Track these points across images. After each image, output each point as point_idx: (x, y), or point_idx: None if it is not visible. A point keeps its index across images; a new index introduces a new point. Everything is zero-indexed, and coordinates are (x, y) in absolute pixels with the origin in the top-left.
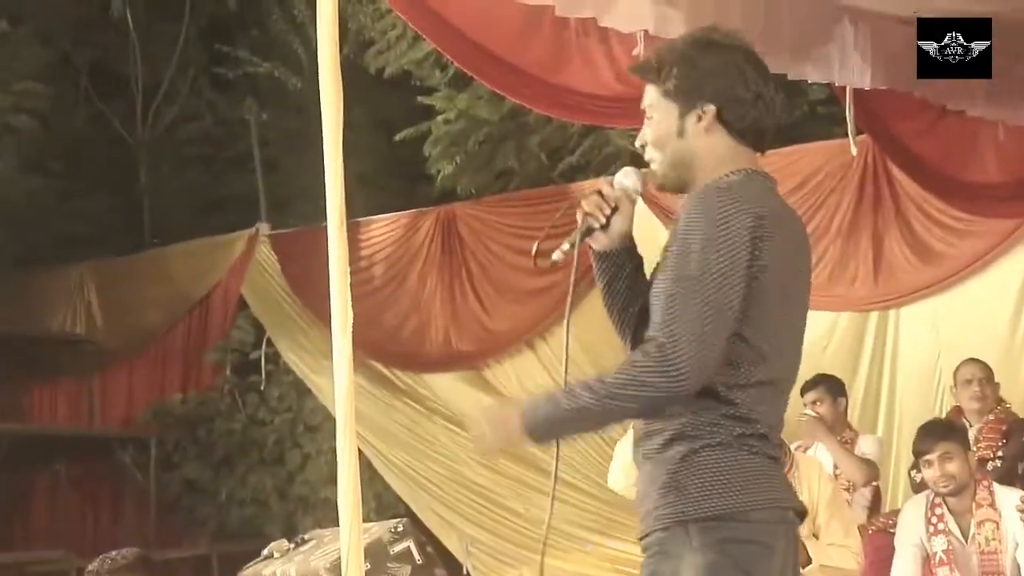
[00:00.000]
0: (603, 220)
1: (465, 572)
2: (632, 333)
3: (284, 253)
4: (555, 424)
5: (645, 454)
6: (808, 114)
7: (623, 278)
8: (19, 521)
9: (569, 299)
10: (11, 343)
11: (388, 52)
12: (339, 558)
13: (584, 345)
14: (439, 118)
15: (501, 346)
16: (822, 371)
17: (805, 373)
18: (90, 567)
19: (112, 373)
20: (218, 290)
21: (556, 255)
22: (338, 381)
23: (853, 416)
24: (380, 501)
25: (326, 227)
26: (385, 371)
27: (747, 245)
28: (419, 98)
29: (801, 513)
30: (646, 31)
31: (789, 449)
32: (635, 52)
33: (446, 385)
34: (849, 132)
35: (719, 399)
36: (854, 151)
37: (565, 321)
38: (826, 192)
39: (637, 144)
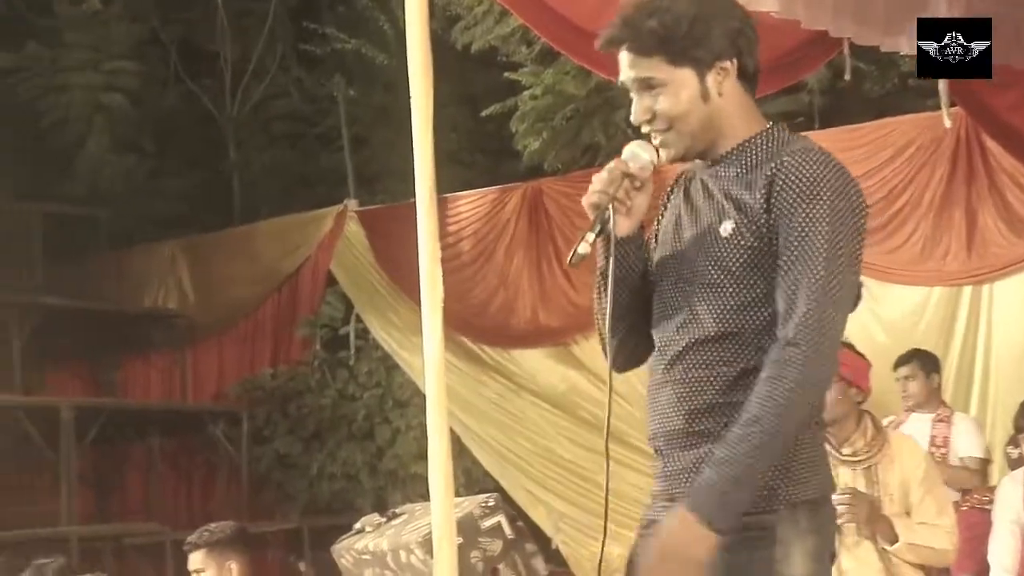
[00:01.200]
0: (629, 203)
1: (554, 547)
2: (629, 330)
3: (372, 229)
4: (744, 489)
5: (712, 430)
6: (900, 87)
7: (639, 267)
8: (115, 494)
9: (609, 316)
10: (106, 319)
11: (475, 28)
12: (430, 533)
13: None
14: (525, 94)
15: (589, 321)
16: (914, 347)
17: (897, 348)
18: (189, 539)
19: (204, 348)
20: (307, 266)
21: (582, 248)
22: (428, 357)
23: (946, 392)
24: (469, 476)
25: (414, 203)
26: (473, 346)
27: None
28: (505, 74)
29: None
30: None
31: (881, 426)
32: None
33: (534, 360)
34: (942, 104)
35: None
36: (947, 123)
37: (608, 344)
38: (918, 165)
39: (637, 120)
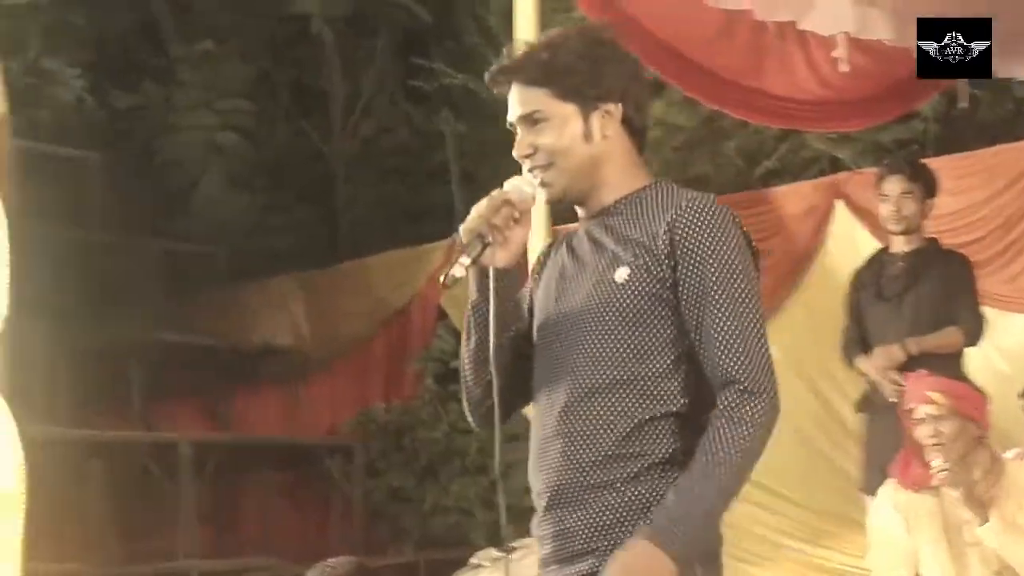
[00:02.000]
0: (508, 232)
1: None
2: (502, 365)
3: None
4: (705, 525)
5: (608, 482)
6: (1015, 113)
7: (513, 306)
8: (232, 528)
9: (492, 328)
10: (221, 355)
11: None
12: None
13: (786, 350)
14: None
15: None
16: None
17: (1020, 377)
18: (308, 574)
19: (317, 382)
20: (417, 300)
21: (457, 271)
22: None
23: None
24: None
25: None
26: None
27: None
28: None
29: None
30: (847, 33)
31: (998, 457)
32: (834, 54)
33: None
34: None
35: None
36: None
37: (491, 367)
38: None
39: (519, 154)
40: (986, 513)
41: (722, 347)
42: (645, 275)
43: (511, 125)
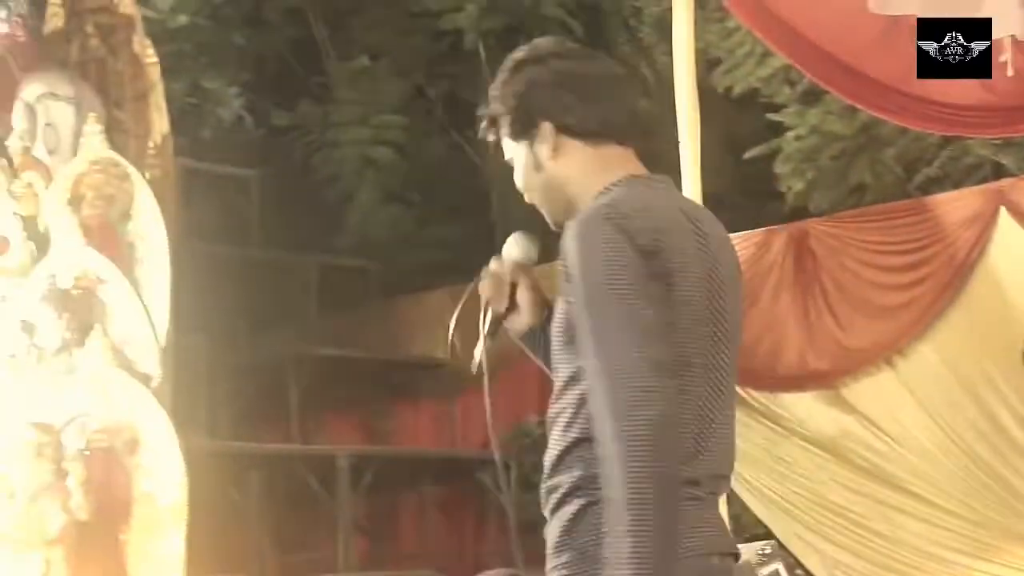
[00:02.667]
0: (505, 302)
1: None
2: None
3: None
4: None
5: (547, 512)
6: None
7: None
8: (389, 541)
9: (486, 383)
10: (377, 368)
11: (736, 70)
12: None
13: (946, 360)
14: (789, 134)
15: (858, 364)
16: None
17: None
18: None
19: (471, 396)
20: None
21: (478, 355)
22: None
23: None
24: (738, 522)
25: None
26: (739, 390)
27: (619, 252)
28: (768, 115)
29: (735, 555)
30: (1013, 36)
31: None
32: (1002, 59)
33: (803, 404)
34: None
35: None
36: None
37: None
38: None
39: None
40: None
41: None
42: (565, 302)
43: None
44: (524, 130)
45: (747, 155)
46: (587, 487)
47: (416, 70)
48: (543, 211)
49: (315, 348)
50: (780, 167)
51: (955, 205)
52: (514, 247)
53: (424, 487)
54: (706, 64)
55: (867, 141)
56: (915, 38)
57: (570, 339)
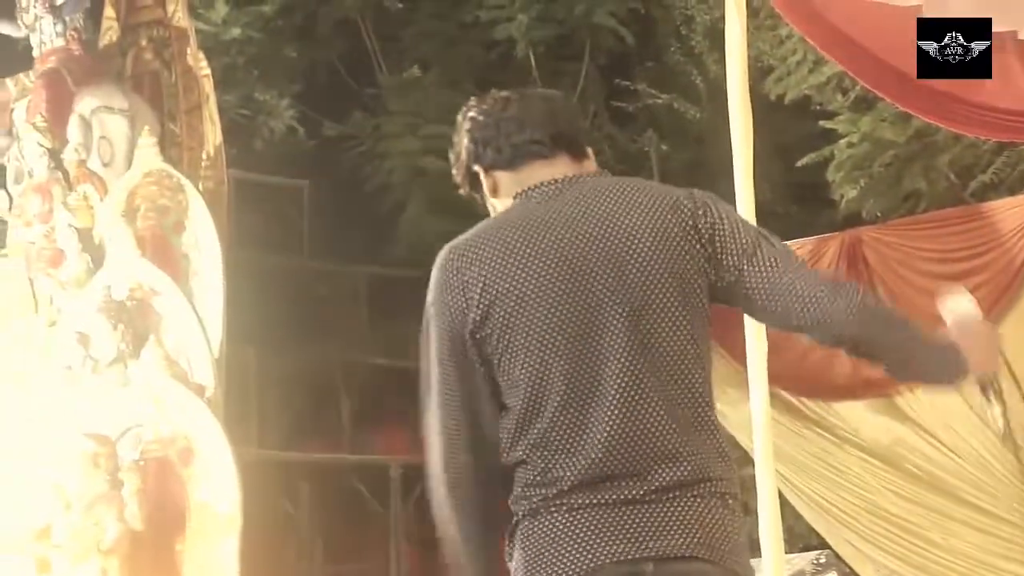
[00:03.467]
0: None
1: None
2: None
3: None
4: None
5: None
6: None
7: None
8: (439, 551)
9: None
10: (413, 378)
11: (788, 78)
12: None
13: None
14: (842, 142)
15: None
16: None
17: None
18: None
19: None
20: None
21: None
22: (756, 412)
23: None
24: (791, 532)
25: None
26: (792, 399)
27: (437, 303)
28: (820, 122)
29: (667, 556)
30: None
31: None
32: None
33: (856, 413)
34: None
35: (516, 465)
36: None
37: None
38: None
39: None
40: None
41: None
42: None
43: None
44: (467, 180)
45: (800, 163)
46: (513, 508)
47: (466, 80)
48: None
49: (366, 358)
50: (833, 174)
51: (1011, 212)
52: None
53: None
54: (758, 72)
55: (920, 148)
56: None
57: None
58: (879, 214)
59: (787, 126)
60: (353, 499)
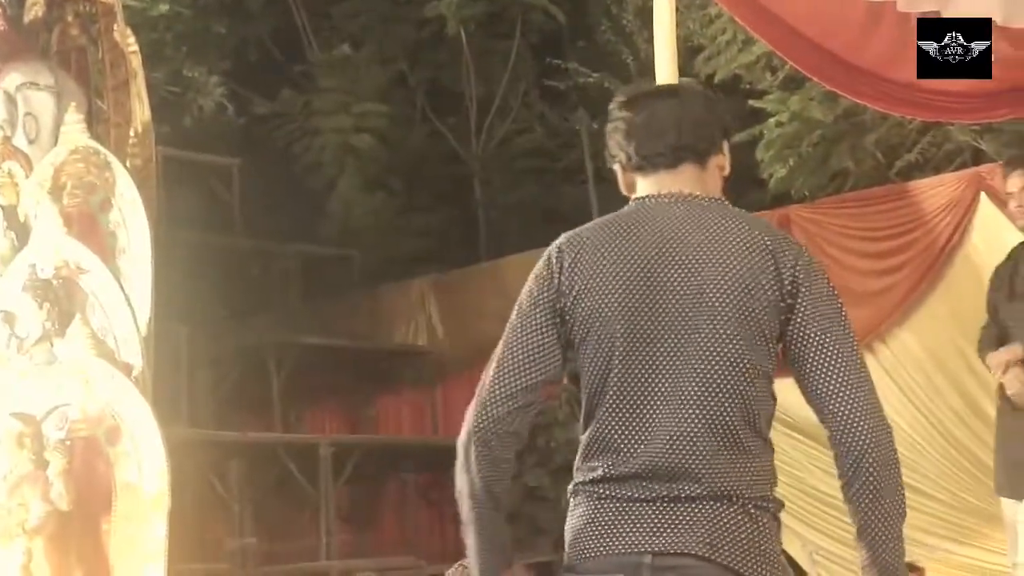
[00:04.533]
0: None
1: None
2: None
3: None
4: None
5: None
6: None
7: None
8: (372, 529)
9: None
10: (359, 357)
11: (717, 57)
12: None
13: (926, 346)
14: (771, 121)
15: None
16: None
17: None
18: (447, 573)
19: (453, 383)
20: None
21: None
22: None
23: None
24: None
25: None
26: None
27: (536, 282)
28: (750, 102)
29: (663, 551)
30: (993, 21)
31: None
32: None
33: (786, 391)
34: None
35: (578, 451)
36: None
37: None
38: None
39: None
40: None
41: None
42: None
43: None
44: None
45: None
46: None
47: (398, 58)
48: None
49: (297, 337)
50: (762, 153)
51: (935, 191)
52: None
53: (406, 475)
54: (688, 51)
55: (848, 127)
56: (897, 23)
57: None
58: (807, 193)
59: None
60: (283, 478)
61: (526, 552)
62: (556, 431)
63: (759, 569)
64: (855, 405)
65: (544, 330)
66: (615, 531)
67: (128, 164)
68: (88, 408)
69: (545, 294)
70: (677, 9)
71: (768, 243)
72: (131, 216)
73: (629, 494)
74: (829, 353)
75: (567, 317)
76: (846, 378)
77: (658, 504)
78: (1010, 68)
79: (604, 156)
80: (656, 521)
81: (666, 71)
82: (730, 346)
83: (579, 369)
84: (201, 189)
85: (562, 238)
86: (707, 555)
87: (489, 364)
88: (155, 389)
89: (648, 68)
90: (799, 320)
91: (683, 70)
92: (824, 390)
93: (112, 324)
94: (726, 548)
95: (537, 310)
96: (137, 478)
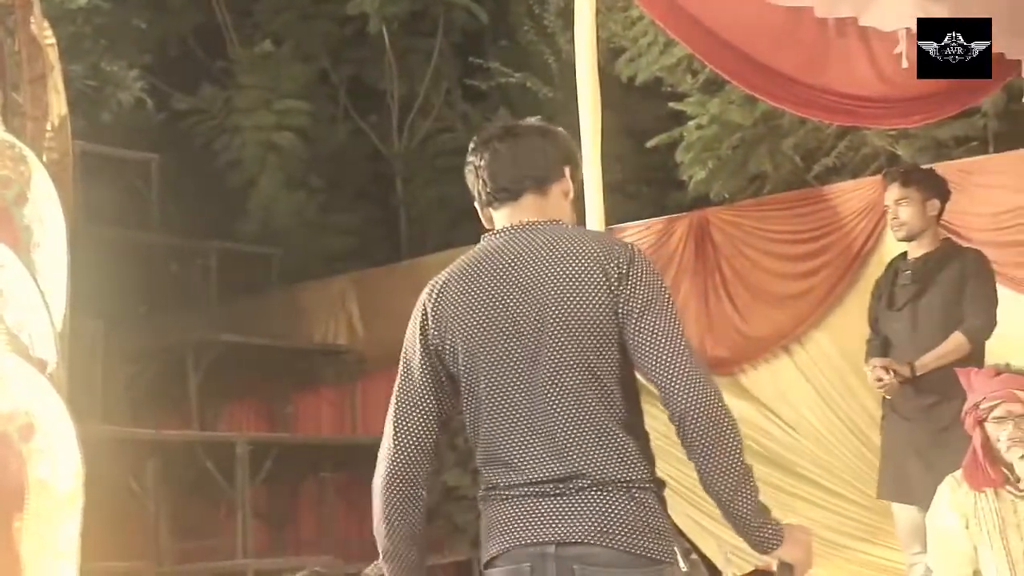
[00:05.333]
0: None
1: None
2: None
3: None
4: None
5: None
6: None
7: None
8: (289, 527)
9: None
10: (278, 355)
11: (639, 59)
12: None
13: (841, 348)
14: (691, 123)
15: (757, 351)
16: None
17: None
18: (364, 572)
19: (373, 382)
20: None
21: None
22: None
23: None
24: None
25: None
26: (639, 376)
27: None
28: (670, 104)
29: (564, 542)
30: (908, 29)
31: None
32: (896, 51)
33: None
34: None
35: (477, 463)
36: None
37: None
38: None
39: None
40: None
41: None
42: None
43: None
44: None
45: (650, 144)
46: None
47: (320, 55)
48: None
49: (215, 334)
50: (682, 156)
51: (852, 195)
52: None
53: (324, 473)
54: (610, 53)
55: (767, 131)
56: (815, 29)
57: None
58: (726, 195)
59: (638, 107)
60: (200, 476)
61: (445, 551)
62: None
63: (648, 545)
64: (673, 373)
65: (424, 372)
66: (521, 525)
67: (44, 158)
68: (1, 404)
69: (419, 338)
70: (599, 11)
71: (596, 249)
72: (47, 210)
73: (528, 491)
74: (649, 328)
75: (441, 354)
76: (665, 350)
77: (554, 499)
78: None
79: None
80: (555, 513)
81: (587, 72)
82: (574, 351)
83: (460, 395)
84: (119, 184)
85: (428, 284)
86: (600, 542)
87: (389, 411)
88: (70, 386)
89: (570, 68)
90: (624, 303)
91: (605, 71)
92: (648, 363)
93: (26, 319)
94: (617, 532)
95: (415, 356)
96: (50, 475)
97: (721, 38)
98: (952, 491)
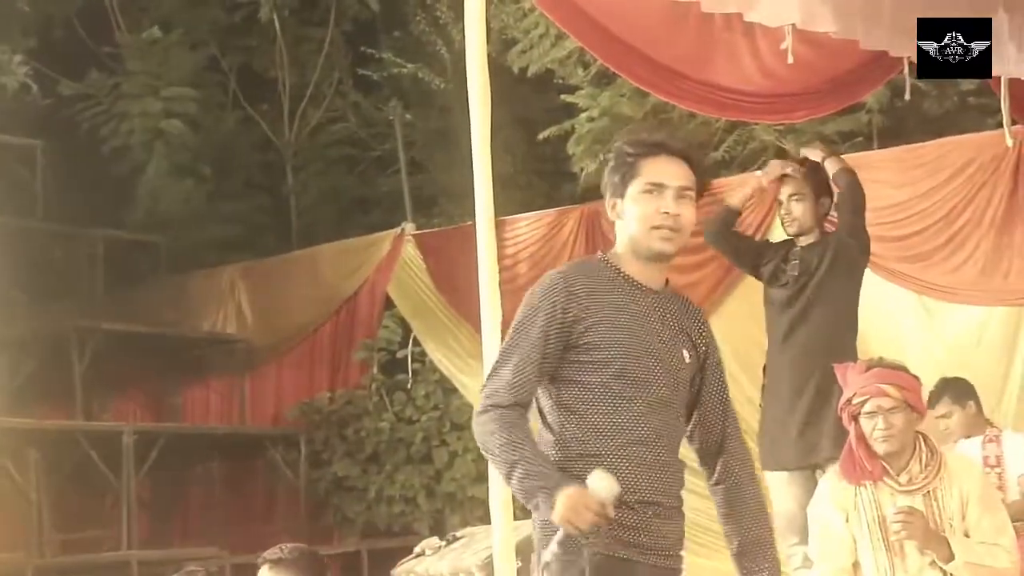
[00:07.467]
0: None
1: None
2: None
3: (429, 252)
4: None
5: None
6: (960, 106)
7: None
8: (175, 518)
9: None
10: (166, 344)
11: (531, 51)
12: (490, 556)
13: (726, 337)
14: (582, 116)
15: None
16: (974, 367)
17: (953, 370)
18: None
19: (262, 372)
20: (365, 289)
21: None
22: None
23: (1007, 413)
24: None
25: (471, 226)
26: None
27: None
28: (562, 96)
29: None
30: (793, 25)
31: (935, 448)
32: (783, 47)
33: None
34: (1004, 123)
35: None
36: (1009, 142)
37: None
38: (978, 185)
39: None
40: (949, 552)
41: None
42: (694, 362)
43: (653, 187)
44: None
45: (541, 136)
46: None
47: (209, 42)
48: (676, 243)
49: (100, 323)
50: (573, 148)
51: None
52: (601, 484)
53: (212, 464)
54: (502, 44)
55: (657, 124)
56: (701, 24)
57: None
58: None
59: (530, 99)
60: (84, 466)
61: (333, 543)
62: (366, 420)
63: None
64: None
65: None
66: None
67: None
68: None
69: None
70: (491, 2)
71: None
72: None
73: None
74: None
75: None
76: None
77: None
78: (806, 70)
79: (417, 146)
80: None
81: (477, 63)
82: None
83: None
84: (2, 171)
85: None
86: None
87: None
88: None
89: (462, 60)
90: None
91: (497, 63)
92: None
93: None
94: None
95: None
96: None
97: (610, 31)
98: (833, 484)
